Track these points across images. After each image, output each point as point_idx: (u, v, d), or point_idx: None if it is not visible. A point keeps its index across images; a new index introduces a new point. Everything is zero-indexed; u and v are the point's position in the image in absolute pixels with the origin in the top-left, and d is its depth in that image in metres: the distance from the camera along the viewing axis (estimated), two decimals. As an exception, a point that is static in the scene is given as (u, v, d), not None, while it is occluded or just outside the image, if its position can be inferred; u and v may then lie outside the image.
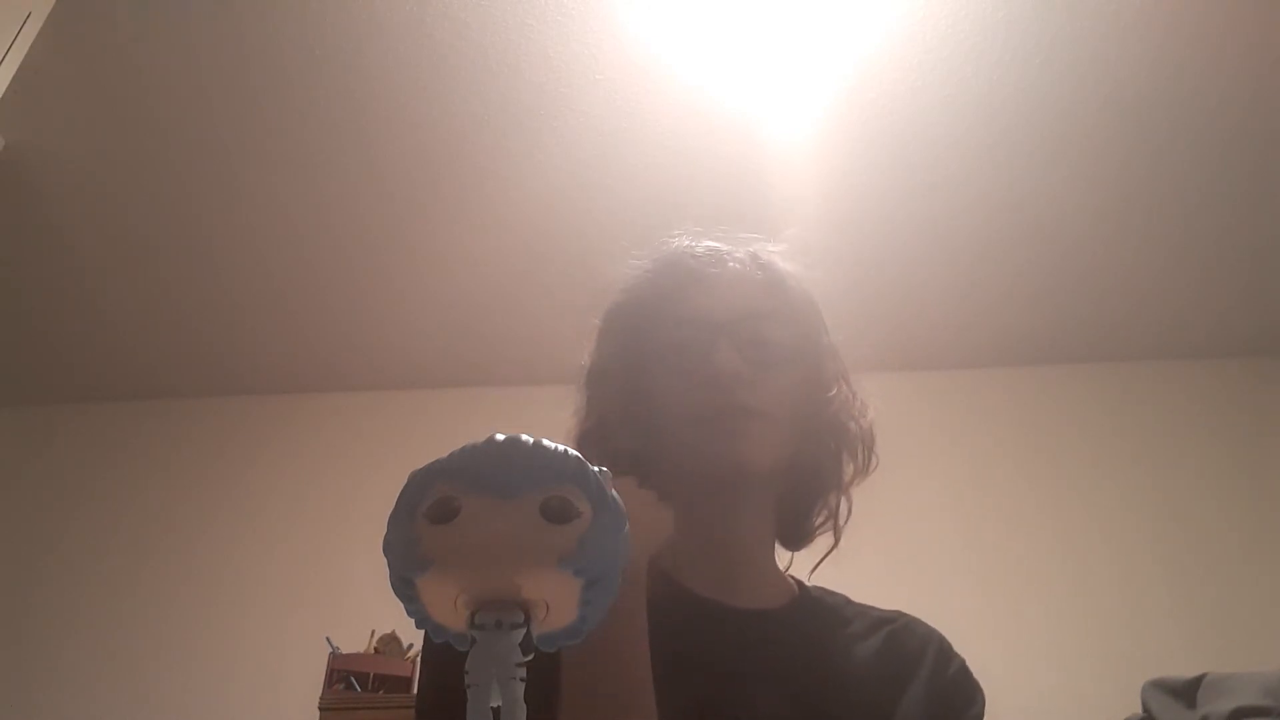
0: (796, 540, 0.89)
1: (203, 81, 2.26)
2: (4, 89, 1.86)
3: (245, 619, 2.96)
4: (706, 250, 0.89)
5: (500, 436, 0.41)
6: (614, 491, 0.42)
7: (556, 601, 0.40)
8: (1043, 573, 2.77)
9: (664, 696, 0.68)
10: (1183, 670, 1.21)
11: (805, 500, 0.88)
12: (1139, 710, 1.24)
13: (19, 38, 1.85)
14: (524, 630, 0.39)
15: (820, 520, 0.88)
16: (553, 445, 0.41)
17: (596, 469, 0.42)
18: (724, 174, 2.42)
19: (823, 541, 0.89)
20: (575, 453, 0.41)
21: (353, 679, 2.47)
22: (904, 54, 2.15)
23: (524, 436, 0.41)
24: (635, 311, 0.88)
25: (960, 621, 0.91)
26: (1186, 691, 1.16)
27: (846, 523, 0.88)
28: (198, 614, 2.99)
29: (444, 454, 0.42)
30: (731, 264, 0.88)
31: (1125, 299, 2.89)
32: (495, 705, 0.37)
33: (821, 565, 0.90)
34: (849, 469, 0.88)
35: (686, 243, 0.90)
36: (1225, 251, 2.69)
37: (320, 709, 2.42)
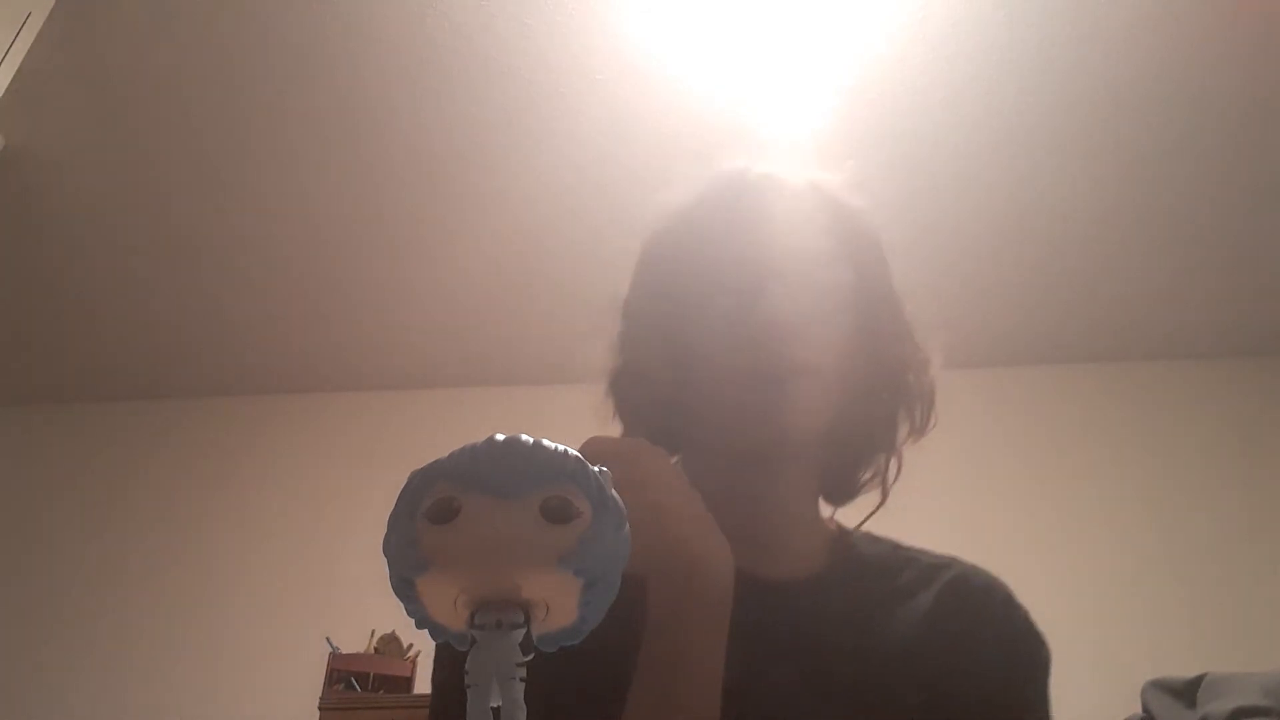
0: (840, 496, 0.81)
1: (202, 82, 2.26)
2: (4, 89, 1.86)
3: (245, 619, 2.96)
4: (761, 177, 0.79)
5: (500, 436, 0.41)
6: (614, 491, 0.42)
7: (556, 602, 0.40)
8: (1042, 573, 2.77)
9: None
10: (1183, 670, 1.21)
11: (852, 459, 0.80)
12: (1139, 710, 1.24)
13: (19, 38, 1.85)
14: (524, 630, 0.39)
15: (867, 478, 0.80)
16: (553, 445, 0.41)
17: (596, 469, 0.42)
18: (724, 174, 2.41)
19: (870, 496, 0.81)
20: (575, 453, 0.41)
21: (353, 679, 2.47)
22: (905, 54, 2.15)
23: (524, 436, 0.41)
24: (679, 243, 0.78)
25: (1002, 579, 0.87)
26: (1186, 691, 1.16)
27: (895, 481, 0.79)
28: (197, 614, 3.00)
29: (444, 454, 0.42)
30: (788, 195, 0.79)
31: (1127, 299, 2.89)
32: (495, 705, 0.37)
33: None
34: (903, 429, 0.79)
35: (741, 166, 0.81)
36: (1226, 251, 2.69)
37: (320, 709, 2.41)
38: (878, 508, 0.79)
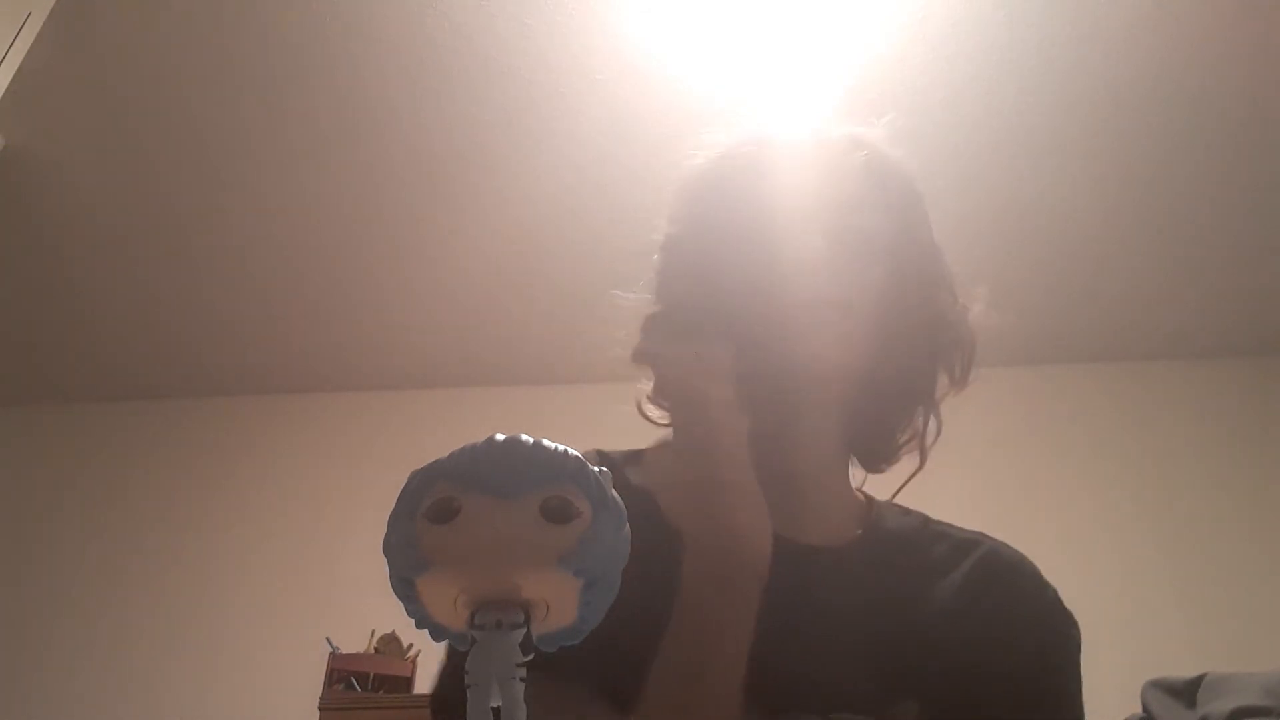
0: (876, 460, 0.79)
1: (202, 82, 2.26)
2: (4, 89, 1.87)
3: (245, 619, 2.96)
4: (801, 126, 0.80)
5: (500, 436, 0.41)
6: (614, 491, 0.42)
7: (556, 601, 0.40)
8: (1042, 572, 2.77)
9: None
10: (1183, 670, 1.20)
11: (889, 414, 0.77)
12: (1139, 710, 1.24)
13: (19, 38, 1.85)
14: (524, 630, 0.39)
15: (905, 439, 0.78)
16: (553, 445, 0.41)
17: (597, 469, 0.42)
18: (724, 174, 2.42)
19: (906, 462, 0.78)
20: (575, 452, 0.41)
21: (353, 679, 2.47)
22: (905, 54, 2.15)
23: (524, 436, 0.41)
24: (719, 180, 0.78)
25: (1029, 558, 0.87)
26: (1186, 691, 1.16)
27: (935, 443, 0.77)
28: (198, 614, 3.00)
29: (444, 454, 0.42)
30: (828, 142, 0.79)
31: (1127, 299, 2.89)
32: (495, 705, 0.37)
33: None
34: (942, 380, 0.78)
35: (776, 117, 0.83)
36: (1226, 251, 2.69)
37: (320, 709, 2.42)
38: (916, 471, 0.78)
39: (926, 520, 0.81)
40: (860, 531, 0.77)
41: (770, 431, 0.69)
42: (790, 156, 0.77)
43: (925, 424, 0.78)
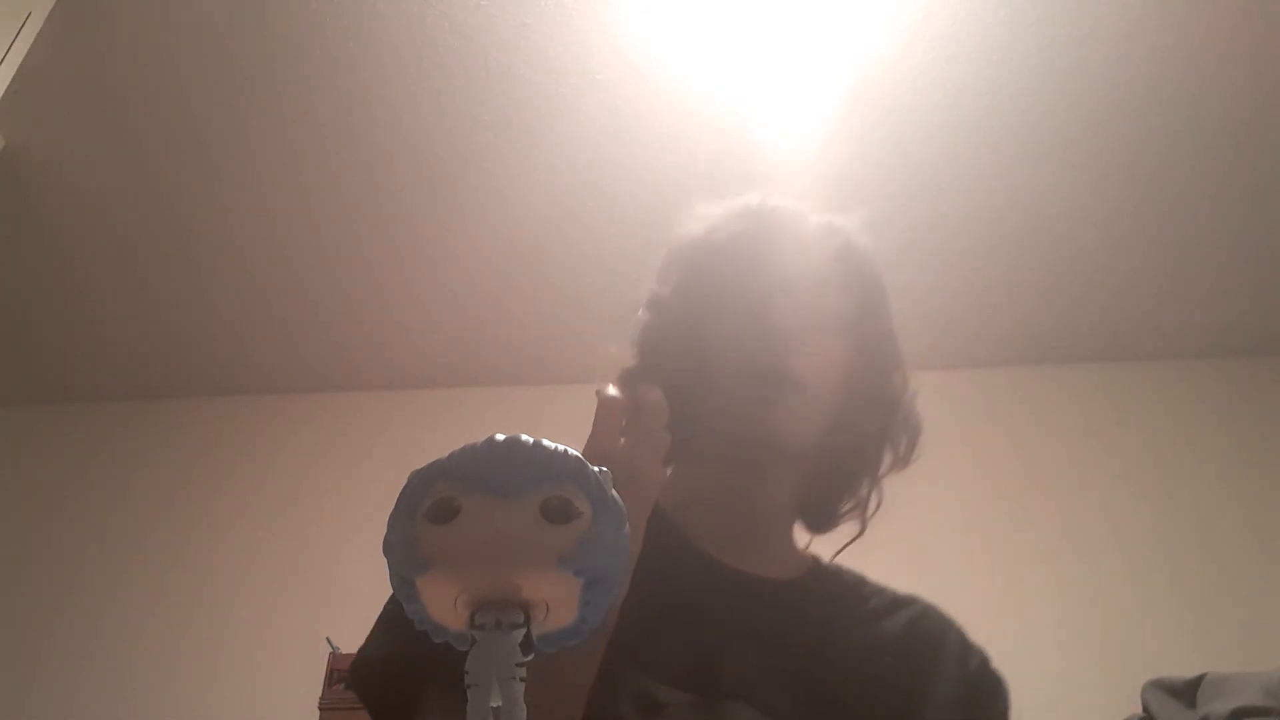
0: (819, 523, 0.86)
1: (202, 82, 2.26)
2: (4, 89, 1.86)
3: (245, 619, 2.96)
4: (783, 209, 0.87)
5: (500, 436, 0.41)
6: (614, 491, 0.42)
7: (556, 602, 0.40)
8: (1043, 572, 2.77)
9: (661, 651, 0.68)
10: (1183, 670, 1.21)
11: (835, 483, 0.85)
12: (1139, 710, 1.24)
13: (19, 38, 1.85)
14: (524, 630, 0.39)
15: (847, 508, 0.85)
16: (553, 445, 0.41)
17: (597, 469, 0.42)
18: (724, 176, 2.41)
19: (847, 528, 0.85)
20: (575, 453, 0.41)
21: (353, 679, 2.46)
22: (905, 54, 2.15)
23: (524, 436, 0.41)
24: (704, 250, 0.85)
25: (959, 621, 0.91)
26: (1186, 691, 1.16)
27: (875, 514, 0.84)
28: (197, 614, 2.99)
29: (444, 454, 0.42)
30: (805, 227, 0.86)
31: (1128, 299, 2.89)
32: (495, 705, 0.37)
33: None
34: (887, 458, 0.85)
35: (765, 197, 0.88)
36: (1226, 251, 2.69)
37: (320, 709, 2.42)
38: (855, 538, 0.84)
39: (865, 579, 0.87)
40: (807, 574, 0.84)
41: (732, 485, 0.80)
42: (772, 237, 0.83)
43: (869, 496, 0.85)
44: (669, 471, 0.78)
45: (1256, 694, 1.05)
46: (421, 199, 2.58)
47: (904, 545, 2.71)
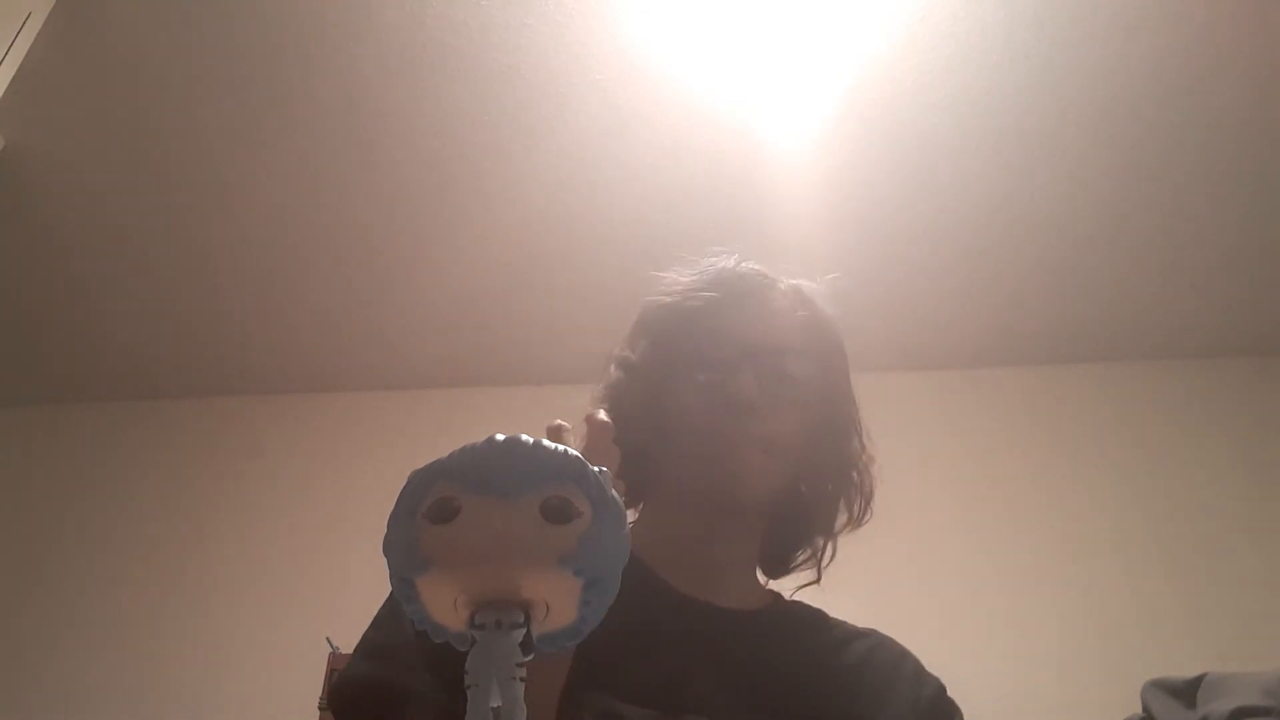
0: (775, 570, 0.92)
1: (202, 82, 2.26)
2: (4, 89, 1.86)
3: (245, 619, 2.96)
4: (753, 273, 0.91)
5: (500, 437, 0.41)
6: (614, 492, 0.42)
7: (556, 602, 0.40)
8: (1043, 572, 2.77)
9: (624, 673, 0.70)
10: (1183, 670, 1.20)
11: (792, 536, 0.91)
12: (1139, 710, 1.24)
13: (19, 38, 1.85)
14: (524, 630, 0.39)
15: (803, 558, 0.91)
16: (553, 445, 0.41)
17: (597, 469, 0.42)
18: (724, 176, 2.42)
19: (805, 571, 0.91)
20: (575, 452, 0.41)
21: (353, 679, 2.46)
22: (904, 55, 2.15)
23: (524, 436, 0.41)
24: (673, 315, 0.90)
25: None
26: (1186, 691, 1.16)
27: (829, 564, 0.90)
28: (197, 614, 2.99)
29: (444, 454, 0.42)
30: (773, 294, 0.90)
31: (1127, 299, 2.89)
32: (495, 705, 0.37)
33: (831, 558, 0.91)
34: (841, 518, 0.90)
35: (734, 262, 0.92)
36: (1226, 252, 2.69)
37: (320, 709, 2.41)
38: (812, 583, 0.90)
39: (823, 612, 0.91)
40: (770, 607, 0.89)
41: (697, 533, 0.85)
42: (737, 300, 0.88)
43: (823, 549, 0.91)
44: (636, 512, 0.85)
45: (1256, 694, 1.05)
46: (421, 199, 2.58)
47: (904, 544, 2.72)
